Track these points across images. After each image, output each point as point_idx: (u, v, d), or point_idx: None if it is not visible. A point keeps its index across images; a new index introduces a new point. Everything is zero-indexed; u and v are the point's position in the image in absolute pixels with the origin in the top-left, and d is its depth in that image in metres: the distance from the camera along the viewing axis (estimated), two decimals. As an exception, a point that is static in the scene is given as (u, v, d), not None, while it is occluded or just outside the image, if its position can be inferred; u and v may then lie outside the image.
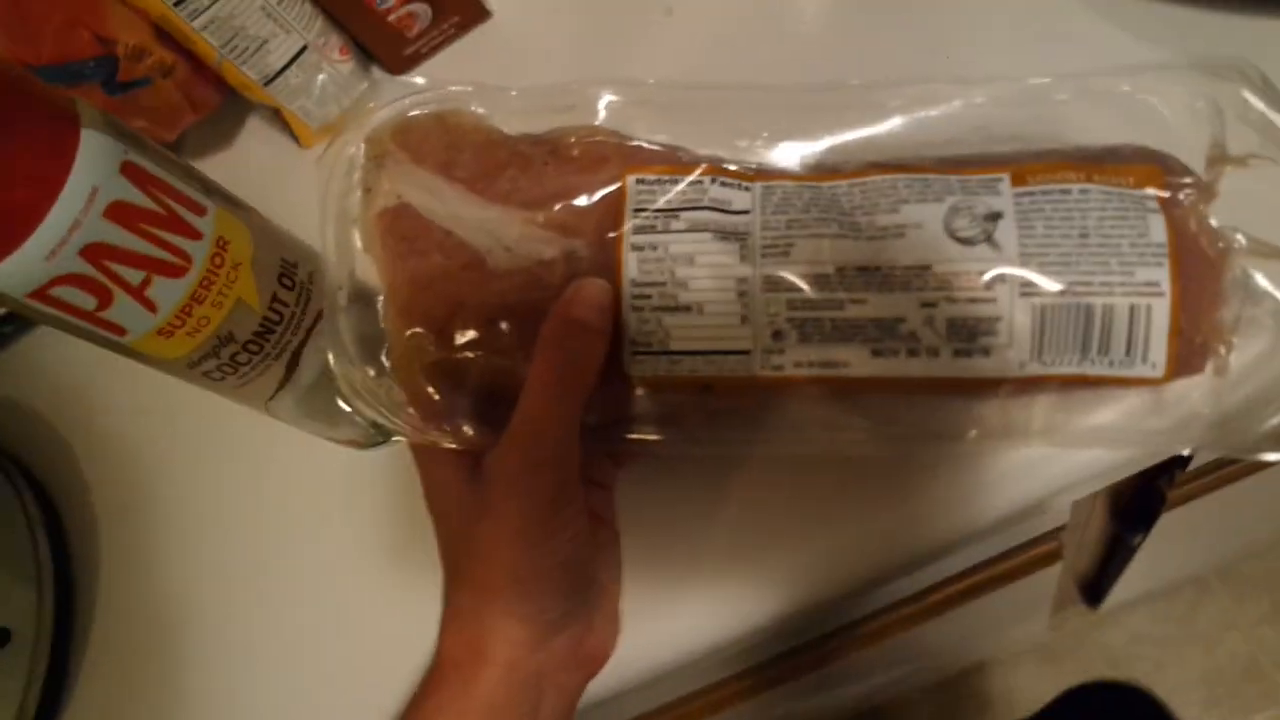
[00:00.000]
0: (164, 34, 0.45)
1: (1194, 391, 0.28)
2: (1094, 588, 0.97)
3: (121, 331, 0.31)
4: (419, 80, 0.31)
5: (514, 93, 0.30)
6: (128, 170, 0.29)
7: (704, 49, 0.46)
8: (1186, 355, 0.27)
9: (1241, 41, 0.36)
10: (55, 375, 0.51)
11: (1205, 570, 1.15)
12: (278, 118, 0.50)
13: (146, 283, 0.30)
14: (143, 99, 0.46)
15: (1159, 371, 0.27)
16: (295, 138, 0.51)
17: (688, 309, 0.28)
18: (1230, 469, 0.56)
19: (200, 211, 0.32)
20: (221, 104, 0.50)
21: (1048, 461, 0.34)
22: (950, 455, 0.34)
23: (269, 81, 0.47)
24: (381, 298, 0.30)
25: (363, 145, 0.30)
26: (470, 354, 0.29)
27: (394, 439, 0.42)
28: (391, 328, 0.29)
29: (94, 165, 0.28)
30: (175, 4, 0.42)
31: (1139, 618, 1.15)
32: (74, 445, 0.49)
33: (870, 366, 0.28)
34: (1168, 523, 0.64)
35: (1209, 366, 0.27)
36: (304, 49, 0.47)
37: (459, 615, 0.30)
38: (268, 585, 0.43)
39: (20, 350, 0.52)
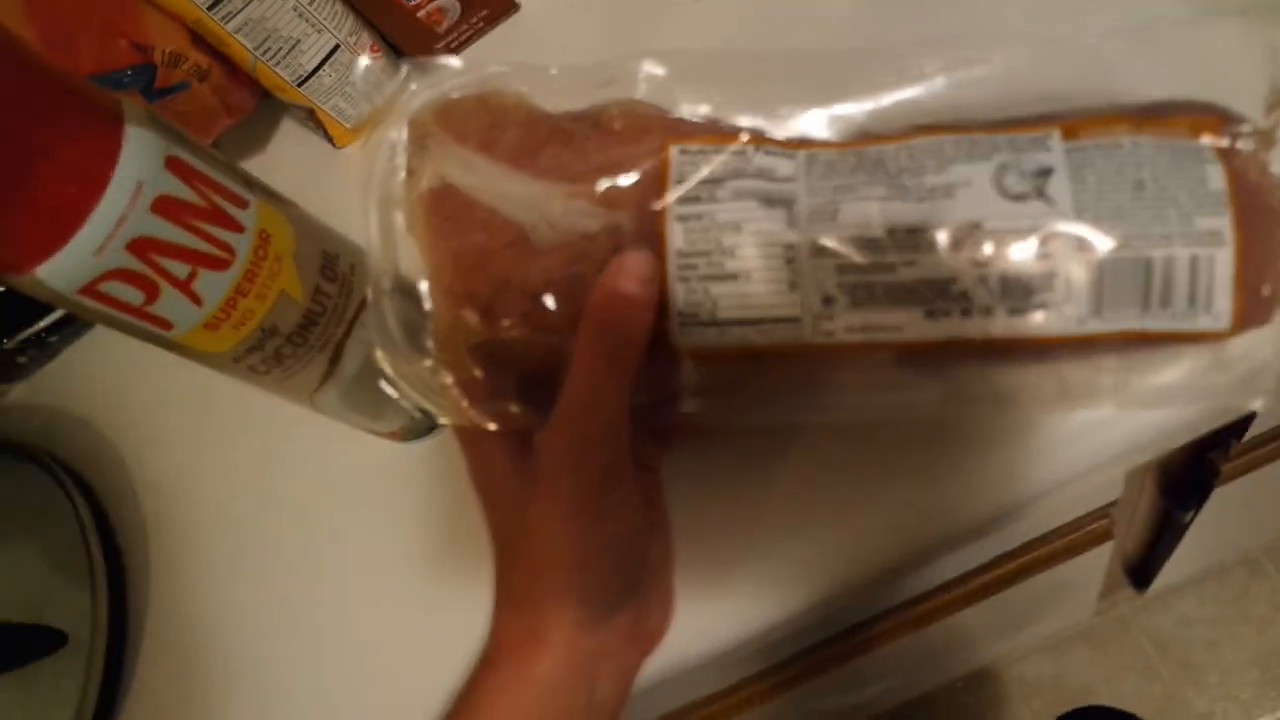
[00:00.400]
0: (199, 38, 0.45)
1: (1261, 344, 0.27)
2: (1142, 570, 0.95)
3: (168, 326, 0.31)
4: (458, 63, 0.31)
5: (554, 70, 0.30)
6: (172, 165, 0.29)
7: (732, 35, 0.46)
8: (1252, 307, 0.26)
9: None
10: (102, 383, 0.52)
11: (1255, 550, 1.12)
12: (311, 118, 0.51)
13: (192, 276, 0.30)
14: (180, 104, 0.46)
15: (1224, 324, 0.26)
16: (329, 138, 0.51)
17: (735, 277, 0.27)
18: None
19: (242, 205, 0.32)
20: (256, 107, 0.51)
21: (1103, 427, 0.34)
22: (1006, 420, 0.33)
23: (302, 82, 0.47)
24: (425, 280, 0.30)
25: (405, 128, 0.30)
26: (516, 332, 0.29)
27: (437, 430, 0.42)
28: (436, 309, 0.29)
29: (139, 160, 0.28)
30: (209, 7, 0.43)
31: (1187, 600, 1.13)
32: (122, 451, 0.50)
33: (923, 329, 0.27)
34: (1219, 499, 0.63)
35: (1277, 318, 0.26)
36: (336, 48, 0.47)
37: (513, 597, 0.30)
38: (315, 583, 0.43)
39: (67, 360, 0.53)
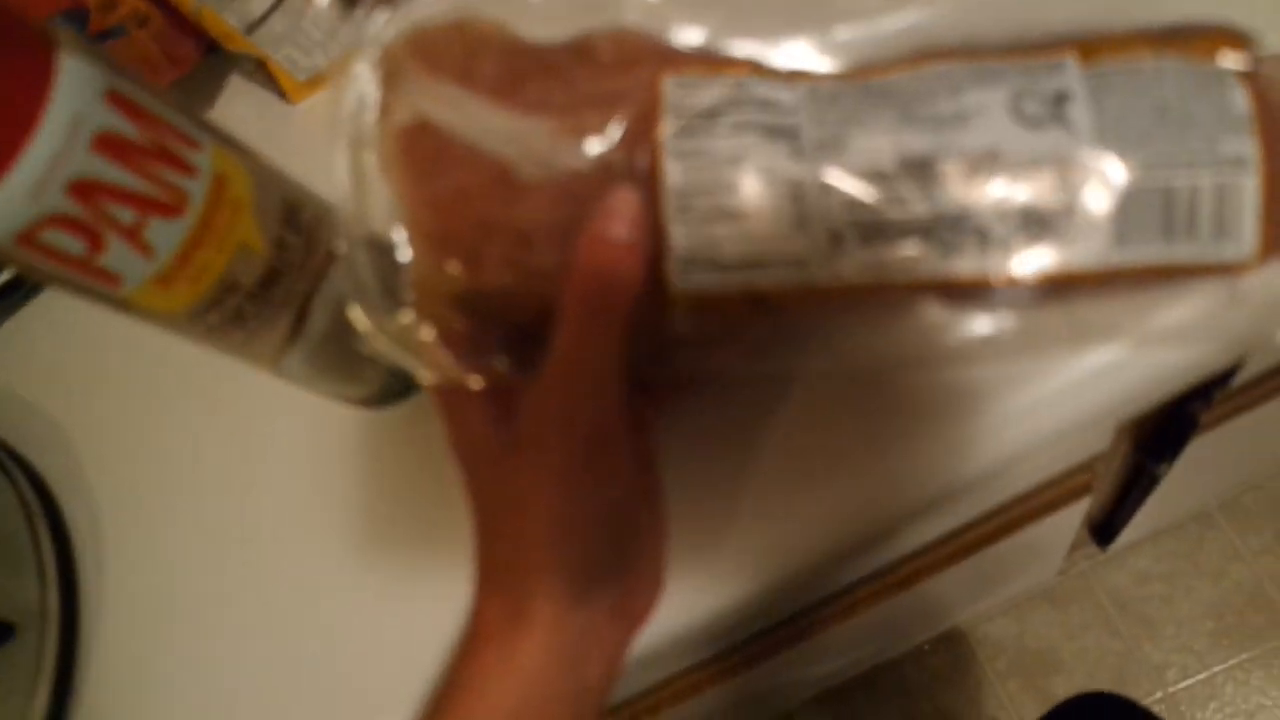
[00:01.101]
0: (135, -21, 0.42)
1: (1276, 277, 0.26)
2: (1106, 526, 0.96)
3: (117, 281, 0.29)
4: None
5: None
6: (113, 99, 0.27)
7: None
8: (1277, 236, 0.25)
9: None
10: (47, 358, 0.48)
11: (1209, 504, 1.15)
12: (262, 71, 0.48)
13: (141, 224, 0.28)
14: (117, 52, 0.43)
15: (1249, 253, 0.25)
16: (282, 93, 0.48)
17: (737, 215, 0.26)
18: (1268, 385, 0.55)
19: (195, 146, 0.29)
20: (201, 59, 0.47)
21: (1100, 377, 0.33)
22: (999, 372, 0.32)
23: (251, 29, 0.44)
24: (401, 226, 0.27)
25: (376, 60, 0.27)
26: (501, 280, 0.27)
27: (410, 394, 0.40)
28: (414, 257, 0.27)
29: (75, 92, 0.26)
30: (146, -57, 0.39)
31: (1144, 556, 1.16)
32: (71, 431, 0.47)
33: (938, 266, 0.26)
34: (1191, 450, 0.63)
35: None
36: (286, -10, 0.44)
37: (495, 571, 0.28)
38: (279, 567, 0.41)
39: (9, 333, 0.50)
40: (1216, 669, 1.09)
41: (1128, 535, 1.01)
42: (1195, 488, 0.94)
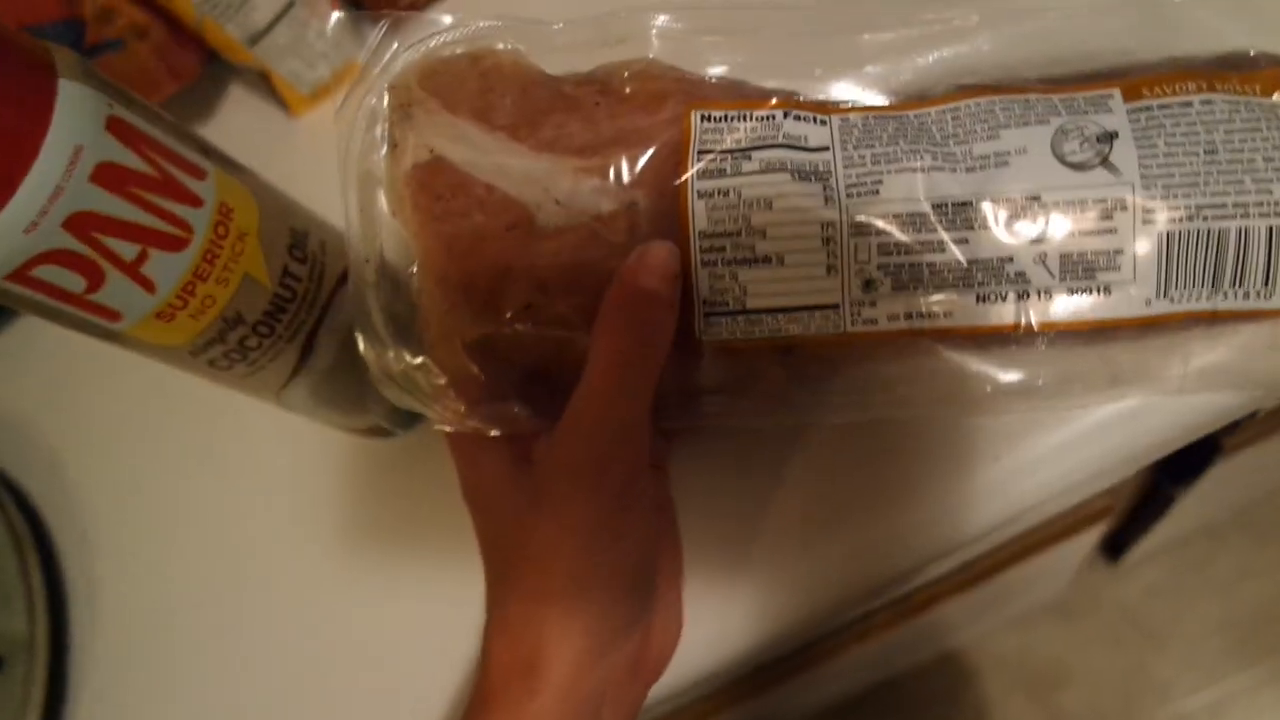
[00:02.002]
0: (135, -9, 0.40)
1: None
2: (1117, 541, 0.95)
3: (116, 316, 0.27)
4: (445, 18, 0.27)
5: (556, 26, 0.27)
6: (115, 127, 0.25)
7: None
8: None
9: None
10: (37, 378, 0.47)
11: (1219, 518, 1.14)
12: (264, 84, 0.46)
13: (142, 257, 0.26)
14: (115, 65, 0.42)
15: None
16: (284, 105, 0.47)
17: (766, 260, 0.25)
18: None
19: (199, 175, 0.28)
20: (202, 71, 0.46)
21: (1137, 418, 0.32)
22: (1050, 409, 0.31)
23: (254, 41, 0.43)
24: (415, 268, 0.26)
25: (385, 94, 0.26)
26: (519, 326, 0.26)
27: (416, 425, 0.39)
28: (428, 301, 0.26)
29: (76, 121, 0.24)
30: (147, -46, 0.38)
31: (1154, 570, 1.14)
32: (62, 453, 0.45)
33: (974, 314, 0.25)
34: (1211, 473, 0.62)
35: None
36: (291, 3, 0.43)
37: (508, 628, 0.27)
38: (272, 596, 0.40)
39: (-1, 354, 0.48)
40: (1225, 686, 1.08)
41: (1138, 549, 1.00)
42: (1209, 505, 0.93)
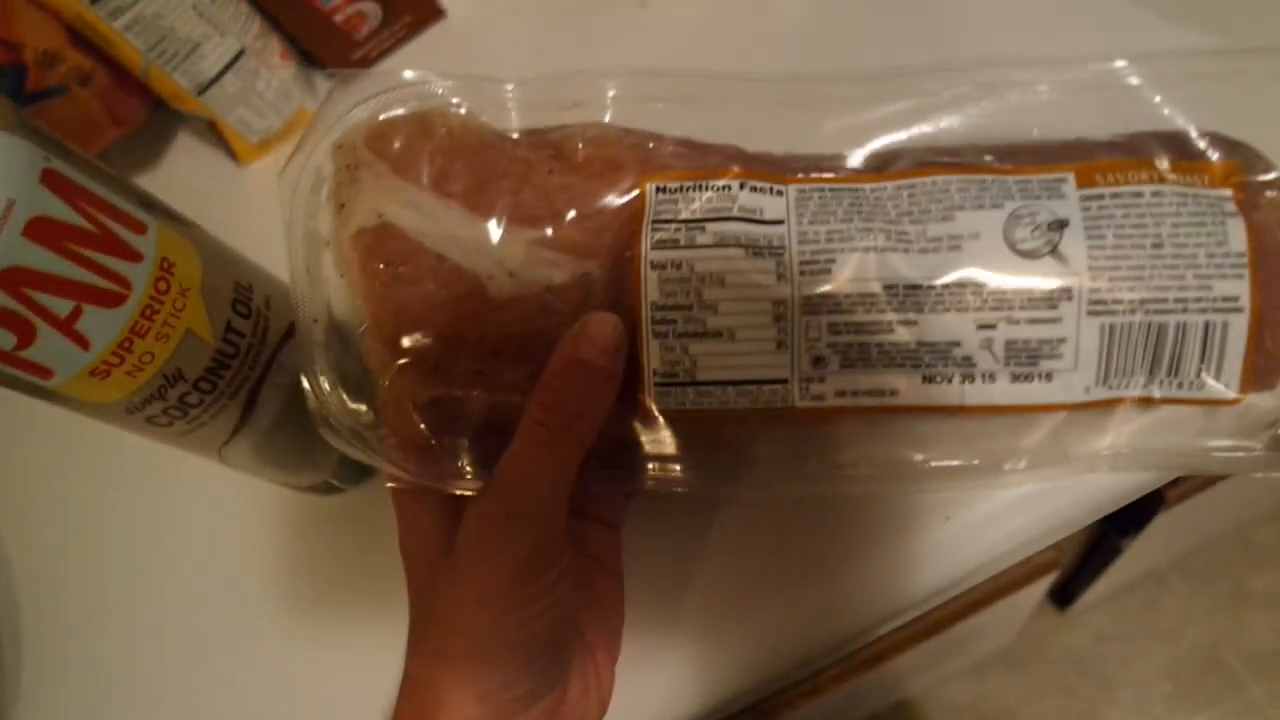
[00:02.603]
0: (80, 38, 0.40)
1: (1257, 406, 0.26)
2: (1066, 590, 0.96)
3: (46, 374, 0.26)
4: (400, 74, 0.27)
5: (509, 86, 0.27)
6: (50, 180, 0.25)
7: (682, 45, 0.43)
8: (1261, 371, 0.24)
9: None
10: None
11: (1162, 564, 1.16)
12: (212, 132, 0.46)
13: (76, 314, 0.25)
14: (57, 111, 0.41)
15: (1231, 394, 0.24)
16: (232, 154, 0.46)
17: (718, 335, 0.25)
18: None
19: (139, 229, 0.27)
20: (147, 117, 0.45)
21: (1059, 491, 0.32)
22: (994, 486, 0.31)
23: (203, 90, 0.42)
24: (364, 329, 0.25)
25: (332, 153, 0.26)
26: (468, 391, 0.26)
27: (360, 482, 0.38)
28: (378, 364, 0.25)
29: (9, 174, 0.23)
30: (92, 2, 0.37)
31: (1099, 616, 1.16)
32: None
33: (919, 394, 0.25)
34: (1155, 523, 0.63)
35: None
36: (241, 53, 0.42)
37: (414, 687, 0.27)
38: (210, 644, 0.38)
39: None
40: (1175, 732, 1.09)
41: (1086, 596, 1.01)
42: (1153, 552, 0.95)
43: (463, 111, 0.27)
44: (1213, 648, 1.12)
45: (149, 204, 0.28)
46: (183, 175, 0.47)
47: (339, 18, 0.43)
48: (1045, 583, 0.61)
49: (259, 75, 0.44)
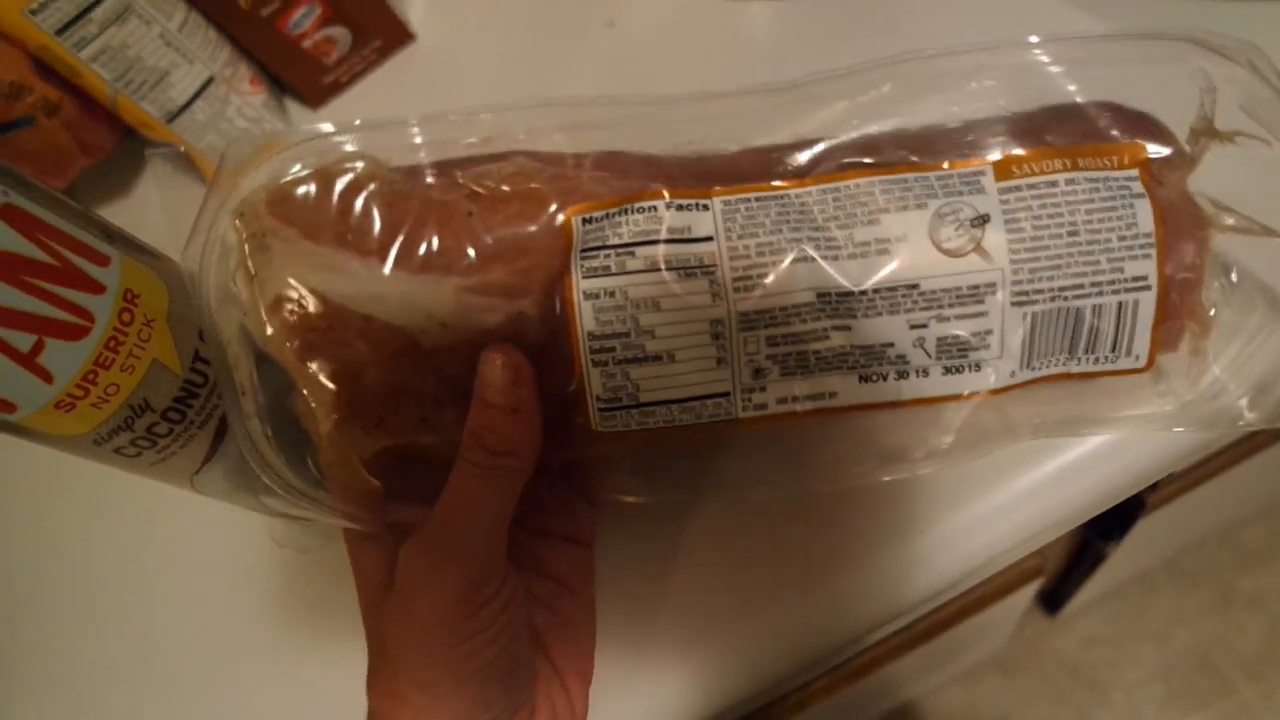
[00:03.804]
0: (46, 68, 0.40)
1: (1171, 374, 0.27)
2: (1054, 595, 0.96)
3: (9, 408, 0.26)
4: (304, 128, 0.25)
5: (414, 127, 0.26)
6: (8, 215, 0.25)
7: (649, 64, 0.43)
8: (1167, 338, 0.26)
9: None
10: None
11: (1150, 567, 1.16)
12: (182, 158, 0.45)
13: (39, 347, 0.25)
14: (24, 142, 0.41)
15: (1142, 362, 0.26)
16: (204, 181, 0.46)
17: (657, 359, 0.25)
18: (1211, 465, 0.55)
19: (102, 261, 0.27)
20: (117, 146, 0.45)
21: (1056, 487, 0.32)
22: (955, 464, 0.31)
23: (172, 118, 0.42)
24: (295, 394, 0.25)
25: (235, 223, 0.25)
26: (413, 438, 0.26)
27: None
28: (317, 427, 0.25)
29: (-36, 211, 0.23)
30: (58, 33, 0.37)
31: (1090, 620, 1.16)
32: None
33: (858, 394, 0.26)
34: (1138, 528, 0.63)
35: (1185, 346, 0.26)
36: (210, 80, 0.42)
37: (372, 715, 0.27)
38: (190, 670, 0.38)
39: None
40: (1169, 735, 1.09)
41: (1074, 601, 1.01)
42: (1139, 556, 0.95)
43: (368, 161, 0.25)
44: (1204, 650, 1.13)
45: (111, 234, 0.28)
46: (154, 204, 0.47)
47: (307, 44, 0.44)
48: (1031, 589, 0.61)
49: (229, 102, 0.44)
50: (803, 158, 0.26)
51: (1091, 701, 1.12)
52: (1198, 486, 0.56)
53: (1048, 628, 1.15)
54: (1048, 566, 0.80)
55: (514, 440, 0.24)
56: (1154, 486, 0.53)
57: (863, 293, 0.24)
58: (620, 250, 0.24)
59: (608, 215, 0.25)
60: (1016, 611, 0.75)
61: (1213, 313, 0.26)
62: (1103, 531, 0.64)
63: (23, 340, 0.25)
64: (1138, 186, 0.25)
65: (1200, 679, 1.11)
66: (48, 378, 0.26)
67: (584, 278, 0.24)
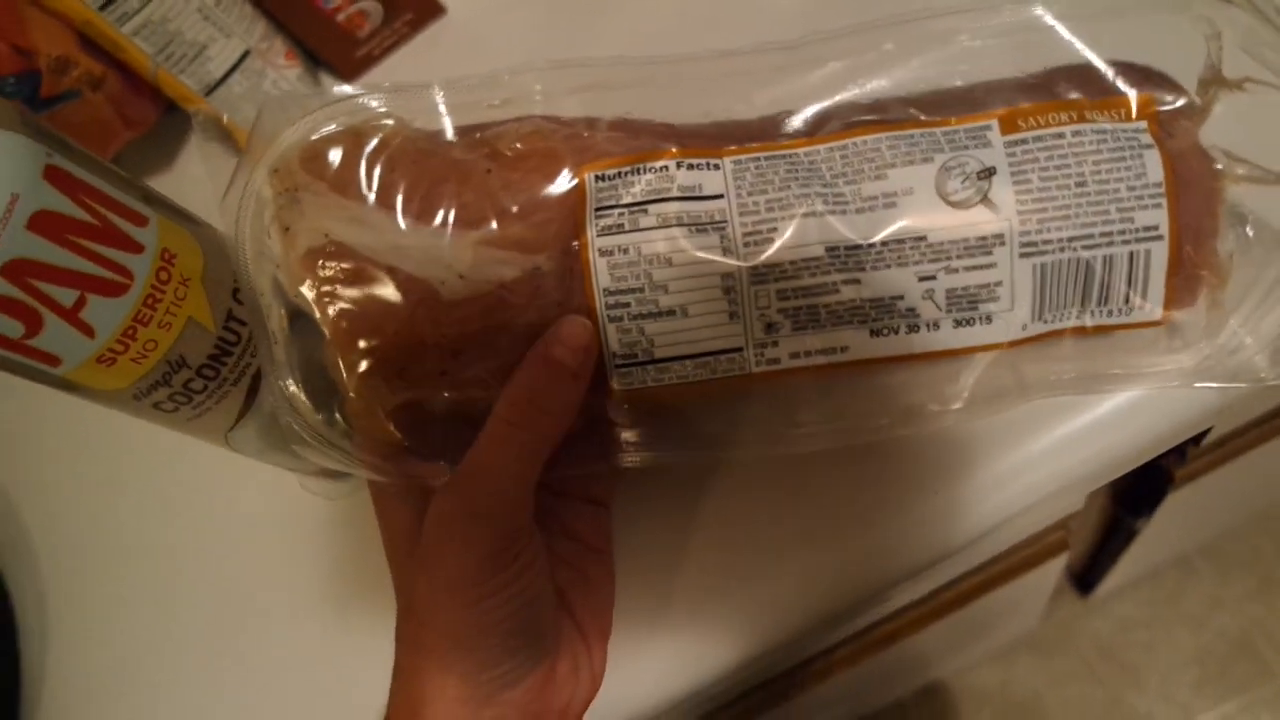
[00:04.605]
0: (91, 43, 0.41)
1: (1190, 326, 0.27)
2: (1087, 575, 0.95)
3: (55, 361, 0.28)
4: (321, 92, 0.27)
5: (438, 91, 0.27)
6: (52, 175, 0.26)
7: (680, 36, 0.43)
8: (1182, 292, 0.26)
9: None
10: (-10, 419, 0.47)
11: (1189, 551, 1.14)
12: (221, 131, 0.47)
13: (81, 303, 0.27)
14: (71, 115, 0.42)
15: (1156, 314, 0.26)
16: (241, 152, 0.47)
17: (671, 313, 0.25)
18: (1237, 442, 0.55)
19: (140, 222, 0.28)
20: (159, 119, 0.47)
21: (1070, 447, 0.32)
22: (961, 446, 0.32)
23: (210, 91, 0.43)
24: (325, 344, 0.26)
25: (269, 178, 0.26)
26: (434, 391, 0.27)
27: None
28: (343, 377, 0.26)
29: (11, 170, 0.25)
30: (101, 8, 0.39)
31: (1125, 603, 1.14)
32: (16, 499, 0.45)
33: (869, 348, 0.26)
34: (1168, 504, 0.62)
35: (1203, 299, 0.26)
36: (246, 54, 0.43)
37: (400, 671, 0.28)
38: (228, 641, 0.39)
39: (-55, 396, 0.48)
40: (1204, 719, 1.08)
41: (1110, 581, 1.00)
42: (1175, 537, 0.94)
43: (395, 121, 0.27)
44: (1242, 634, 1.11)
45: (150, 197, 0.30)
46: (194, 174, 0.48)
47: (340, 17, 0.45)
48: (1058, 564, 0.61)
49: (265, 75, 0.45)
50: (811, 117, 0.27)
51: (1125, 684, 1.11)
52: (1227, 462, 0.56)
53: (1081, 610, 1.14)
54: (1075, 543, 0.79)
55: (564, 404, 0.25)
56: (1181, 458, 0.53)
57: (871, 245, 0.25)
58: (633, 208, 0.25)
59: (620, 174, 0.25)
60: (1045, 589, 0.75)
61: (1230, 260, 0.26)
62: (1132, 507, 0.64)
63: (66, 296, 0.26)
64: (1146, 138, 0.25)
65: (1238, 664, 1.10)
66: (90, 332, 0.27)
67: (598, 235, 0.25)
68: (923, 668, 0.95)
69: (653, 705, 0.34)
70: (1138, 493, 0.62)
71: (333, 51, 0.46)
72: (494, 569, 0.25)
